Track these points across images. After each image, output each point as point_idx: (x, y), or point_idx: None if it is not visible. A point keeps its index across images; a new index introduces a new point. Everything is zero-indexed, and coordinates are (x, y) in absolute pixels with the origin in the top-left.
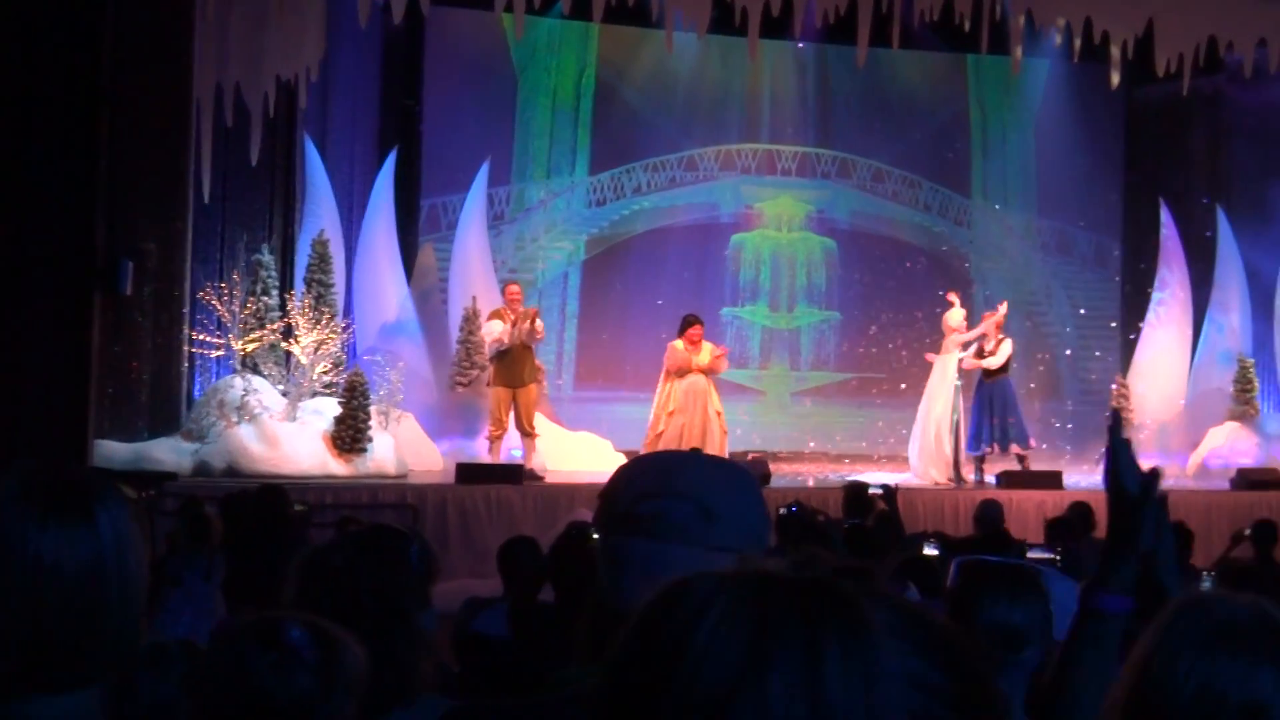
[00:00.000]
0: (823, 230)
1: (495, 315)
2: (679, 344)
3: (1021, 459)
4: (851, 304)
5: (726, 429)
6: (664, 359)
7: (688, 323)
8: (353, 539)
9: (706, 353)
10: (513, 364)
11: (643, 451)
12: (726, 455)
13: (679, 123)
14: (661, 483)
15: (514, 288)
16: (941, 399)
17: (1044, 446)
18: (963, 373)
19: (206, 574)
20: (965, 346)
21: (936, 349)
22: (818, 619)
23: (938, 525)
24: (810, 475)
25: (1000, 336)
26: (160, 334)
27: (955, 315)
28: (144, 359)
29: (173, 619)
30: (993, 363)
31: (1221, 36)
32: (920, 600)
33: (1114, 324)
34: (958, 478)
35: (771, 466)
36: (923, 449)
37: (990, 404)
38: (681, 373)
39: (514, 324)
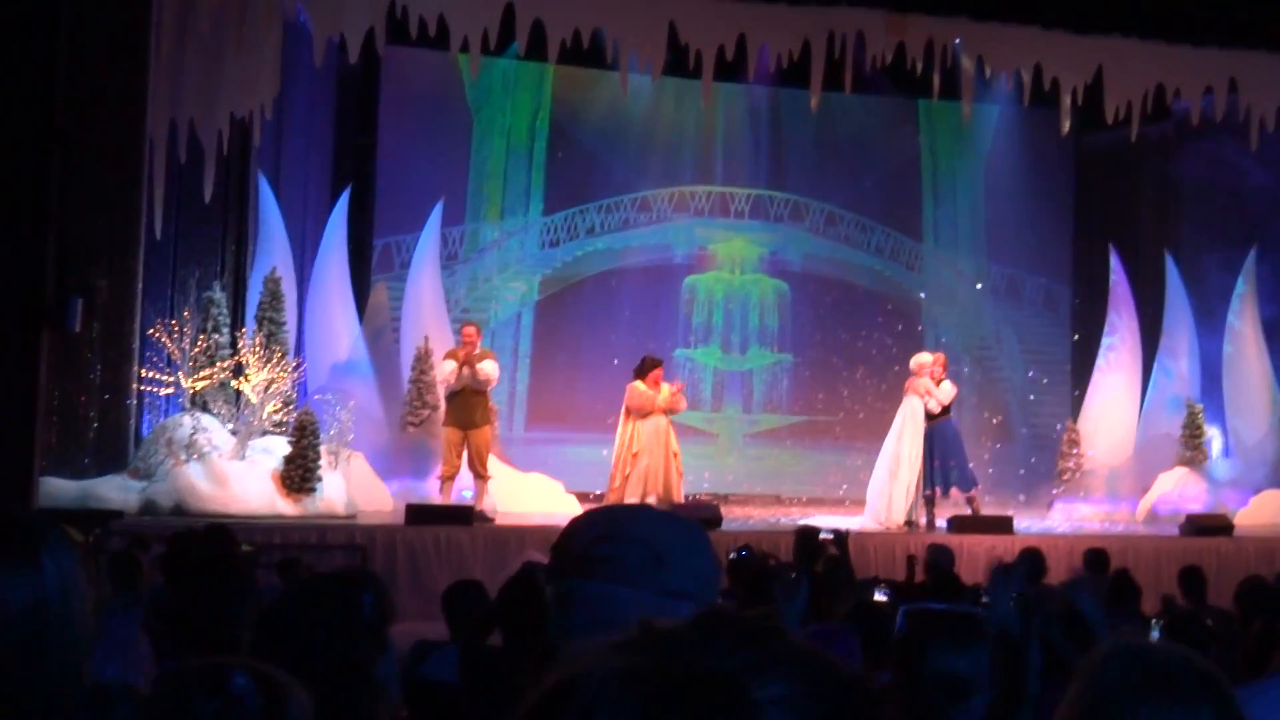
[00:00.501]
0: (775, 273)
1: (449, 355)
2: (640, 385)
3: (971, 502)
4: (804, 346)
5: (682, 471)
6: (625, 400)
7: (650, 364)
8: (305, 589)
9: (665, 392)
10: (464, 405)
11: (609, 493)
12: (682, 497)
13: (633, 164)
14: (614, 528)
15: (469, 329)
16: (915, 443)
17: (977, 490)
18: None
19: (134, 615)
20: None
21: (890, 391)
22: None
23: (889, 570)
24: (762, 518)
25: (943, 378)
26: (109, 371)
27: (923, 356)
28: (92, 396)
29: (100, 661)
30: (933, 405)
31: (1169, 85)
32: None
33: (1064, 369)
34: (911, 523)
35: (723, 509)
36: (893, 491)
37: (932, 447)
38: (644, 413)
39: (464, 365)
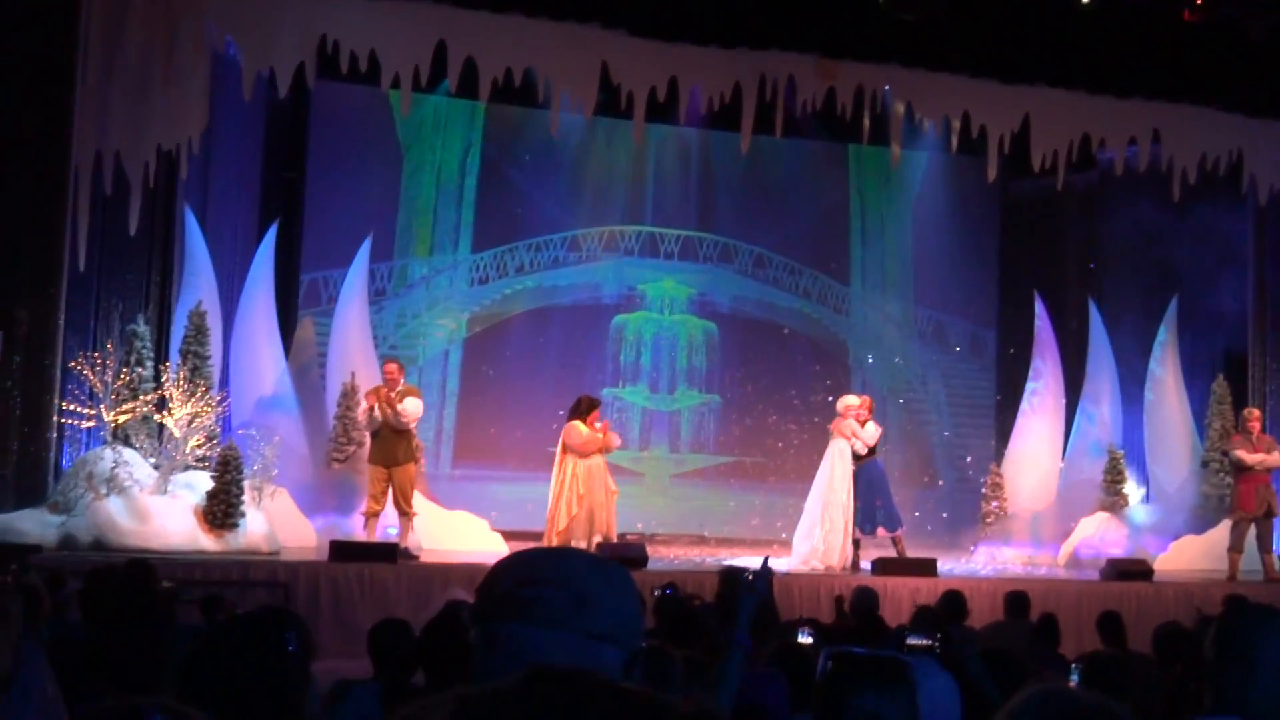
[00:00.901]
0: (704, 314)
1: (369, 394)
2: (582, 425)
3: (896, 543)
4: (732, 387)
5: (615, 510)
6: (566, 440)
7: (588, 404)
8: (230, 628)
9: (600, 432)
10: (387, 443)
11: (555, 534)
12: (615, 535)
13: (563, 203)
14: (538, 571)
15: (391, 366)
16: (844, 485)
17: (901, 531)
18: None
19: (38, 648)
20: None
21: (817, 433)
22: None
23: (814, 611)
24: (687, 558)
25: (865, 417)
26: (29, 403)
27: (850, 399)
28: (11, 428)
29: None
30: (859, 447)
31: (1094, 135)
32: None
33: (989, 413)
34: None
35: (650, 549)
36: (826, 534)
37: (858, 487)
38: (586, 454)
39: (382, 404)
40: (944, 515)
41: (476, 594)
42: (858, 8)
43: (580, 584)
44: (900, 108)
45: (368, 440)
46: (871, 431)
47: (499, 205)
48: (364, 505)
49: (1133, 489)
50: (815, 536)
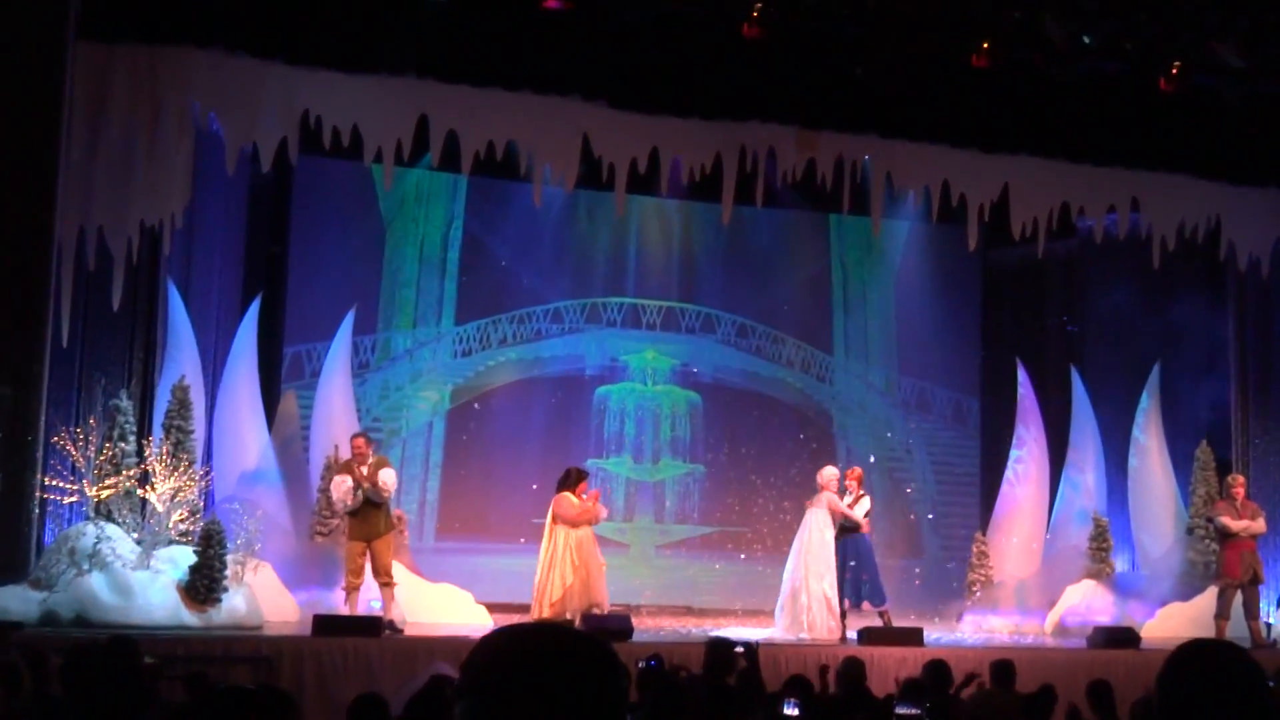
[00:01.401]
0: (687, 384)
1: (343, 470)
2: (572, 497)
3: (883, 616)
4: (715, 457)
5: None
6: (558, 511)
7: (577, 476)
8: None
9: (589, 503)
10: (366, 518)
11: (547, 606)
12: (607, 607)
13: (545, 275)
14: (524, 648)
15: (359, 440)
16: (824, 554)
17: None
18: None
19: None
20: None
21: (802, 502)
22: None
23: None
24: (673, 629)
25: (860, 493)
26: (11, 479)
27: (829, 471)
28: None
29: None
30: (854, 519)
31: (1074, 203)
32: None
33: (973, 481)
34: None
35: (634, 620)
36: (805, 603)
37: (844, 560)
38: (576, 525)
39: (361, 479)
40: (930, 584)
41: (462, 668)
42: (837, 80)
43: (564, 663)
44: (880, 178)
45: (344, 517)
46: (864, 505)
47: (482, 278)
48: (343, 580)
49: (1119, 556)
50: (798, 608)
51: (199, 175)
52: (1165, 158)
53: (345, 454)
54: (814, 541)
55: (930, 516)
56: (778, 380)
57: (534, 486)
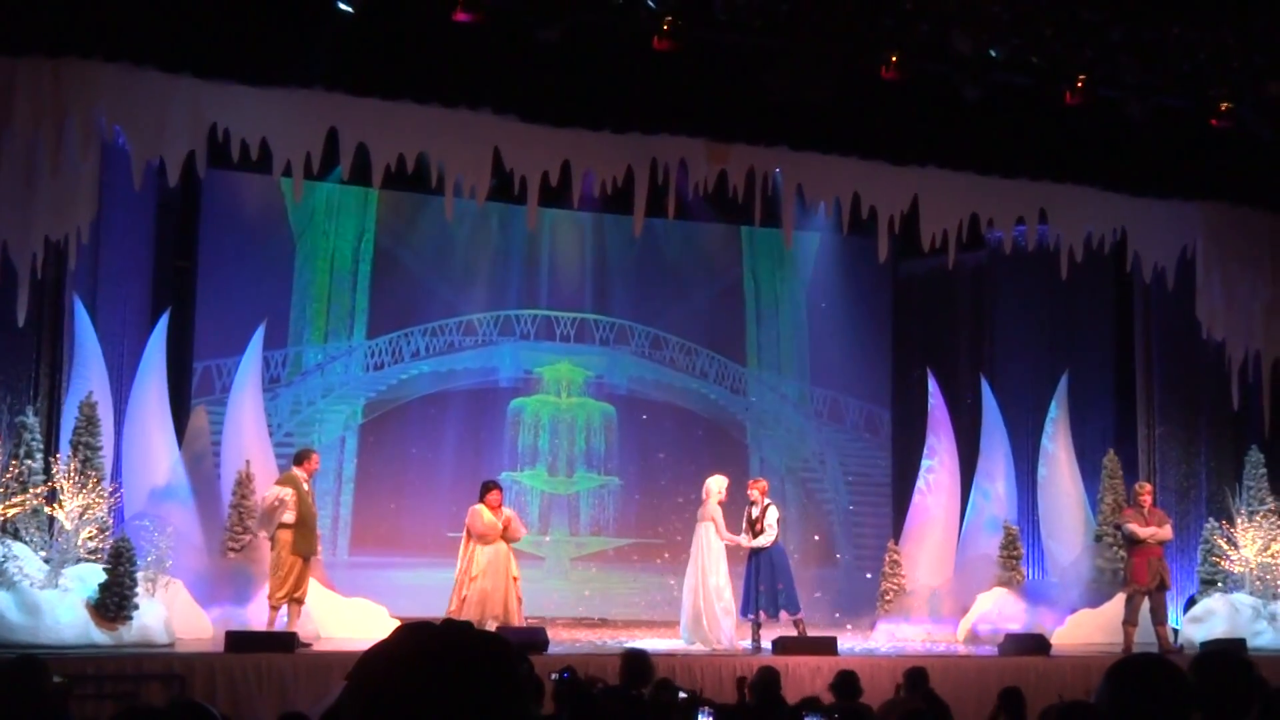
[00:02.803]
0: (601, 396)
1: (288, 481)
2: (483, 509)
3: (798, 625)
4: (630, 469)
5: (521, 596)
6: (468, 524)
7: (489, 487)
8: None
9: (502, 518)
10: (310, 533)
11: (447, 615)
12: (523, 621)
13: (458, 287)
14: (405, 649)
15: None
16: (718, 566)
17: (801, 614)
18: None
19: None
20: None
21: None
22: None
23: (714, 692)
24: (589, 640)
25: (765, 503)
26: None
27: (717, 481)
28: None
29: None
30: (764, 541)
31: (983, 215)
32: None
33: (885, 491)
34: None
35: (550, 632)
36: (706, 615)
37: (759, 570)
38: (486, 538)
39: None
40: (843, 593)
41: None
42: (747, 92)
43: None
44: (791, 190)
45: (271, 532)
46: (774, 514)
47: (393, 291)
48: (278, 592)
49: (1029, 564)
50: (701, 622)
51: (105, 189)
52: (1072, 170)
53: (257, 469)
54: (706, 553)
55: (843, 526)
56: (691, 391)
57: (448, 500)
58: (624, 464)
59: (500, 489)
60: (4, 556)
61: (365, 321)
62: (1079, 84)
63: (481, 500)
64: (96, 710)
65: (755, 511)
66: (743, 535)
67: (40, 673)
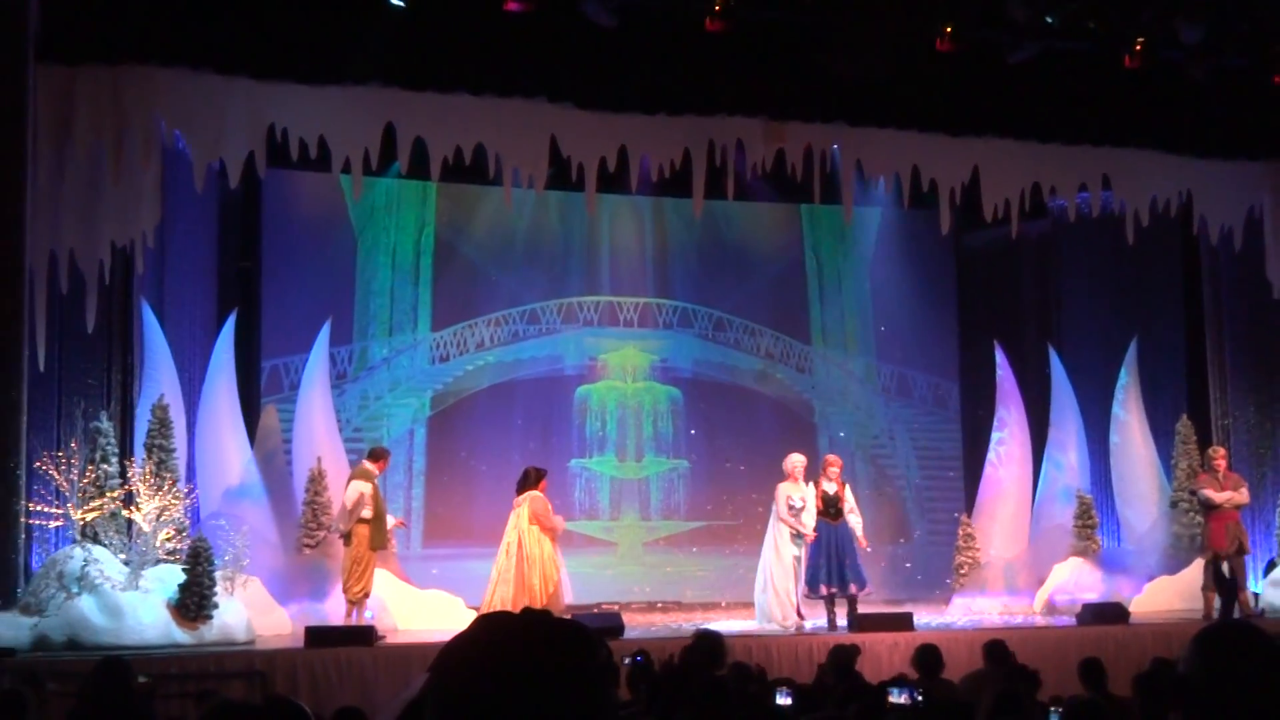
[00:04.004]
0: (667, 379)
1: (363, 476)
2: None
3: (852, 600)
4: (698, 452)
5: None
6: (540, 512)
7: (538, 475)
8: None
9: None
10: (383, 526)
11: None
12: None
13: (520, 277)
14: (491, 637)
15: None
16: (778, 543)
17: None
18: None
19: None
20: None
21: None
22: None
23: (792, 671)
24: (664, 624)
25: (842, 481)
26: None
27: (790, 460)
28: None
29: None
30: (855, 522)
31: (1045, 183)
32: None
33: (957, 464)
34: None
35: (625, 617)
36: (776, 592)
37: (827, 546)
38: (556, 530)
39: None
40: (918, 568)
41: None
42: (802, 69)
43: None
44: (850, 166)
45: (348, 526)
46: (849, 496)
47: (456, 283)
48: (356, 587)
49: (1104, 533)
50: (784, 596)
51: (168, 194)
52: (1134, 134)
53: (328, 465)
54: (771, 531)
55: (915, 502)
56: (756, 372)
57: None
58: (691, 447)
59: (544, 474)
60: (85, 560)
61: (429, 314)
62: (1137, 47)
63: (529, 487)
64: (181, 709)
65: (832, 489)
66: (807, 514)
67: (125, 674)
